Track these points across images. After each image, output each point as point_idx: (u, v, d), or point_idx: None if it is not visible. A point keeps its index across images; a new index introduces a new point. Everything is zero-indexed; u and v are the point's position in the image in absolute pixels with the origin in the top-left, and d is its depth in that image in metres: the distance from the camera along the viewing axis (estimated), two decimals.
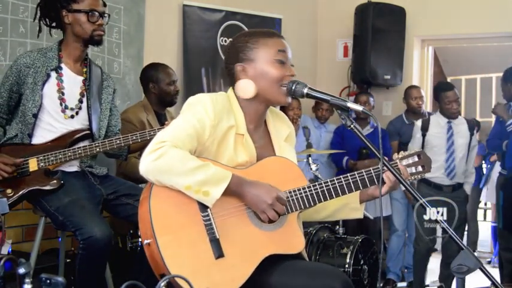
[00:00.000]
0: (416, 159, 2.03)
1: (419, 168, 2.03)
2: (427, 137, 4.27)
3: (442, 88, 4.35)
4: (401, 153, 2.05)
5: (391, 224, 4.87)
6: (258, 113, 2.00)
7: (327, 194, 1.94)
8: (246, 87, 1.94)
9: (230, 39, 4.85)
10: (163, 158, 1.76)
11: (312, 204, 1.94)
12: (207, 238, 1.79)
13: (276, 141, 2.06)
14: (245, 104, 1.98)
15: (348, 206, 2.08)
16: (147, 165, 1.77)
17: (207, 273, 1.75)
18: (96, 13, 2.61)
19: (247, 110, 1.98)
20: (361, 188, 1.97)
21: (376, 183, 1.96)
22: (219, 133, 1.89)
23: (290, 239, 1.92)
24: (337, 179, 1.95)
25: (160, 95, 3.55)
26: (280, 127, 2.11)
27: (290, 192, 1.93)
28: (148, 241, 1.75)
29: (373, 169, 1.96)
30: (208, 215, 1.81)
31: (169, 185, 1.78)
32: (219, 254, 1.78)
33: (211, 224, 1.80)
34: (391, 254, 4.85)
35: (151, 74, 3.58)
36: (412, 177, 2.02)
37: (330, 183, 1.95)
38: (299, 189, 1.93)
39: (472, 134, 4.31)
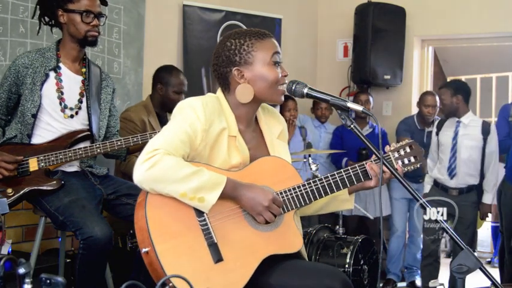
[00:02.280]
0: (408, 150, 2.03)
1: (412, 159, 2.02)
2: (439, 137, 4.23)
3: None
4: (393, 145, 2.05)
5: (391, 225, 4.85)
6: (249, 114, 2.01)
7: (322, 191, 1.95)
8: (245, 92, 1.93)
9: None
10: (157, 167, 1.75)
11: (308, 202, 1.95)
12: (205, 243, 1.78)
13: (269, 139, 2.06)
14: (237, 106, 1.97)
15: (338, 199, 2.08)
16: (141, 175, 1.76)
17: (207, 277, 1.75)
18: (91, 14, 2.60)
19: (238, 111, 1.97)
20: (355, 183, 1.98)
21: (370, 178, 1.98)
22: (211, 137, 1.88)
23: (288, 239, 1.92)
24: (331, 175, 1.96)
25: (164, 98, 3.55)
26: (272, 125, 2.10)
27: (285, 191, 1.93)
28: (147, 249, 1.74)
29: (365, 163, 1.98)
30: (204, 220, 1.80)
31: (164, 193, 1.77)
32: (218, 258, 1.78)
33: (209, 228, 1.80)
34: (391, 254, 4.83)
35: (163, 76, 3.57)
36: (406, 169, 2.02)
37: (324, 180, 1.95)
38: (294, 188, 1.94)
39: (485, 138, 4.11)
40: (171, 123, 1.88)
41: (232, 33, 1.99)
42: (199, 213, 1.80)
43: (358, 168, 1.98)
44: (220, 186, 1.79)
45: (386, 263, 4.86)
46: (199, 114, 1.85)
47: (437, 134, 4.26)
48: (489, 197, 4.13)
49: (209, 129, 1.87)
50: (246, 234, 1.85)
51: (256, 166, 1.94)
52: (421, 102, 4.71)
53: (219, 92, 2.02)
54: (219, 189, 1.78)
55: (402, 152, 2.03)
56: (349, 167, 1.98)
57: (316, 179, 1.96)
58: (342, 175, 1.96)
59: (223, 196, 1.80)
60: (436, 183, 4.18)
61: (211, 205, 1.78)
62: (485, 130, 4.12)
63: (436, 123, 4.34)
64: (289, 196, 1.93)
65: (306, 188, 1.94)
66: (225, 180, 1.80)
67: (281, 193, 1.93)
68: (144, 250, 1.75)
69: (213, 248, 1.78)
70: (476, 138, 4.12)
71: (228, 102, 1.97)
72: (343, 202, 2.09)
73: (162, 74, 3.58)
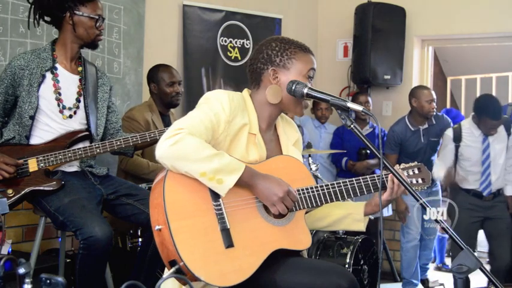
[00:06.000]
0: (416, 171, 2.06)
1: (420, 181, 2.06)
2: (460, 148, 4.02)
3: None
4: (403, 165, 2.07)
5: (405, 233, 4.57)
6: (271, 117, 2.06)
7: (333, 196, 1.98)
8: (275, 93, 1.98)
9: (230, 39, 4.87)
10: (180, 144, 1.78)
11: (319, 204, 1.98)
12: (218, 227, 1.81)
13: (285, 144, 2.11)
14: (260, 106, 2.02)
15: (351, 217, 2.10)
16: (164, 150, 1.79)
17: (216, 261, 1.77)
18: (103, 20, 2.65)
19: (261, 112, 2.03)
20: (365, 193, 2.00)
21: (387, 188, 1.99)
22: (233, 129, 1.93)
23: (298, 235, 1.95)
24: (349, 181, 1.99)
25: (160, 95, 3.58)
26: (289, 132, 2.16)
27: (299, 190, 1.96)
28: (160, 227, 1.76)
29: (384, 175, 1.99)
30: (220, 205, 1.83)
31: (184, 171, 1.80)
32: (229, 243, 1.80)
33: (223, 213, 1.83)
34: (407, 264, 4.59)
35: (152, 75, 3.63)
36: (413, 188, 2.02)
37: (336, 185, 1.99)
38: (307, 188, 1.97)
39: (509, 134, 4.02)
40: (196, 110, 1.92)
41: (280, 38, 2.08)
42: (215, 197, 1.83)
43: (373, 178, 1.99)
44: (239, 171, 1.83)
45: (401, 270, 4.68)
46: (224, 106, 1.90)
47: (457, 146, 4.04)
48: (510, 189, 4.02)
49: (232, 122, 1.92)
50: (257, 225, 1.88)
51: (271, 163, 1.99)
52: (420, 99, 4.37)
53: (245, 91, 2.07)
54: (237, 174, 1.82)
55: (411, 172, 2.06)
56: (360, 177, 1.99)
57: (329, 184, 1.99)
58: (353, 183, 1.99)
59: (240, 183, 1.84)
60: (466, 190, 4.06)
61: (228, 188, 1.81)
62: (508, 126, 4.02)
63: (451, 133, 4.09)
64: (302, 195, 1.96)
65: (319, 191, 1.98)
66: (244, 167, 1.84)
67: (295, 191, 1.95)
68: (157, 227, 1.77)
69: (225, 233, 1.81)
70: (503, 138, 4.02)
71: (252, 101, 2.03)
72: (355, 222, 2.10)
73: (151, 74, 3.64)
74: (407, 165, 2.07)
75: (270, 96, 1.99)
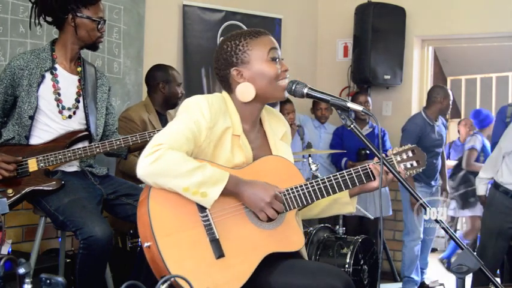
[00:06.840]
0: (410, 154, 2.04)
1: (414, 164, 2.04)
2: None
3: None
4: (396, 149, 2.06)
5: (410, 231, 4.57)
6: (254, 114, 2.01)
7: (324, 191, 1.95)
8: (246, 90, 1.94)
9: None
10: (161, 161, 1.75)
11: (310, 201, 1.95)
12: (207, 238, 1.79)
13: (272, 140, 2.07)
14: (241, 105, 1.98)
15: (339, 202, 2.09)
16: (144, 168, 1.77)
17: (208, 273, 1.75)
18: (104, 22, 2.65)
19: (243, 111, 1.98)
20: (357, 184, 1.98)
21: (372, 179, 1.98)
22: (216, 135, 1.89)
23: (289, 237, 1.92)
24: (333, 176, 1.97)
25: (168, 95, 3.61)
26: (276, 126, 2.11)
27: (287, 190, 1.93)
28: (149, 244, 1.75)
29: (368, 164, 1.98)
30: (207, 216, 1.80)
31: (167, 187, 1.78)
32: (219, 254, 1.78)
33: (211, 224, 1.80)
34: (410, 262, 4.59)
35: (161, 75, 3.62)
36: (408, 172, 2.03)
37: (326, 180, 1.96)
38: (296, 187, 1.94)
39: None
40: (176, 120, 1.89)
41: (229, 36, 2.01)
42: (201, 209, 1.81)
43: (360, 169, 1.98)
44: (223, 181, 1.80)
45: (401, 269, 4.68)
46: (204, 112, 1.87)
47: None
48: None
49: (214, 127, 1.88)
50: (247, 231, 1.86)
51: (259, 164, 1.95)
52: (448, 98, 4.53)
53: (225, 91, 2.04)
54: (221, 185, 1.79)
55: (404, 156, 2.04)
56: (351, 169, 1.99)
57: (319, 179, 1.96)
58: (344, 176, 1.97)
59: (226, 192, 1.81)
60: (505, 191, 3.70)
61: (213, 200, 1.78)
62: None
63: None
64: (291, 195, 1.93)
65: (308, 188, 1.95)
66: (228, 176, 1.81)
67: (283, 192, 1.93)
68: (146, 245, 1.76)
69: (215, 243, 1.79)
70: None
71: (233, 102, 1.99)
72: (344, 205, 2.10)
73: (160, 73, 3.63)
74: (400, 148, 2.05)
75: (242, 95, 1.95)
